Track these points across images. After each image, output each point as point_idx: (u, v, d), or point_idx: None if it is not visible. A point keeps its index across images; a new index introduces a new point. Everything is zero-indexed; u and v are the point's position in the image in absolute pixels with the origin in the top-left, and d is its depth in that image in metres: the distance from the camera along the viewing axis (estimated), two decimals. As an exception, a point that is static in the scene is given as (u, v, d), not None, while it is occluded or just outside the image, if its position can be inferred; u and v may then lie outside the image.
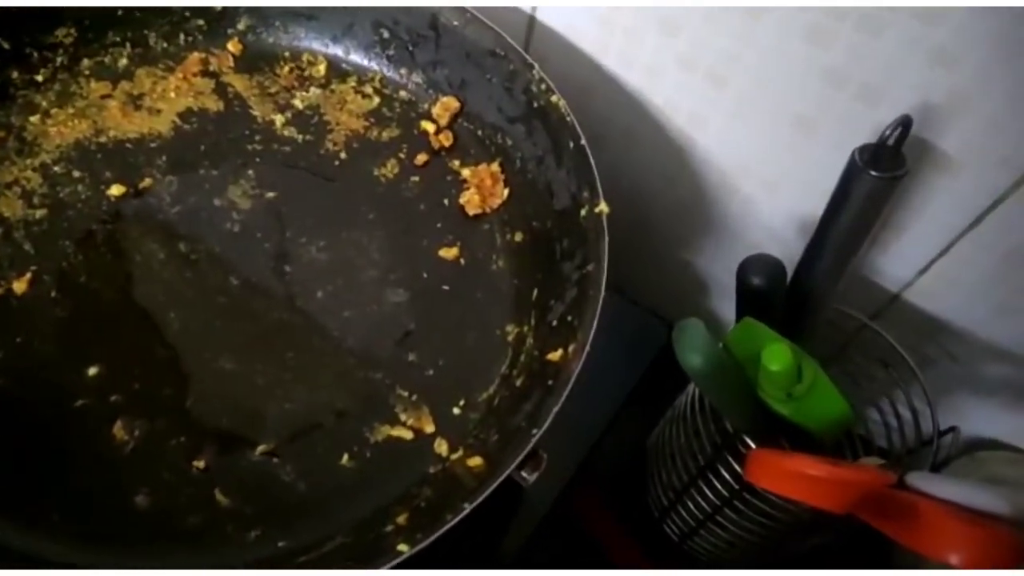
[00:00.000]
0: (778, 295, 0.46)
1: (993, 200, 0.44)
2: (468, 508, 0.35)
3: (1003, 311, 0.49)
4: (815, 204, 0.50)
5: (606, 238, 0.44)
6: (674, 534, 0.57)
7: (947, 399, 0.53)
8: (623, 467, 0.60)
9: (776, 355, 0.41)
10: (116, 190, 0.51)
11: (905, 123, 0.39)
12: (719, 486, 0.49)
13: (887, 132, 0.39)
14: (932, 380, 0.51)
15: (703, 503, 0.51)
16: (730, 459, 0.46)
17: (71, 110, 0.54)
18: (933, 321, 0.53)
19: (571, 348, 0.42)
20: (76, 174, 0.51)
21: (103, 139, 0.53)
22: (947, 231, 0.47)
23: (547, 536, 0.55)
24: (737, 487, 0.47)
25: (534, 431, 0.38)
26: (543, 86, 0.50)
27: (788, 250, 0.49)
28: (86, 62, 0.55)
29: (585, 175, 0.47)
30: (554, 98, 0.49)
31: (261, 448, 0.43)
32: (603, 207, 0.46)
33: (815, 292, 0.47)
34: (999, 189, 0.43)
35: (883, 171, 0.39)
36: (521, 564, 0.53)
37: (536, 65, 0.51)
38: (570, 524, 0.57)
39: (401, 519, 0.40)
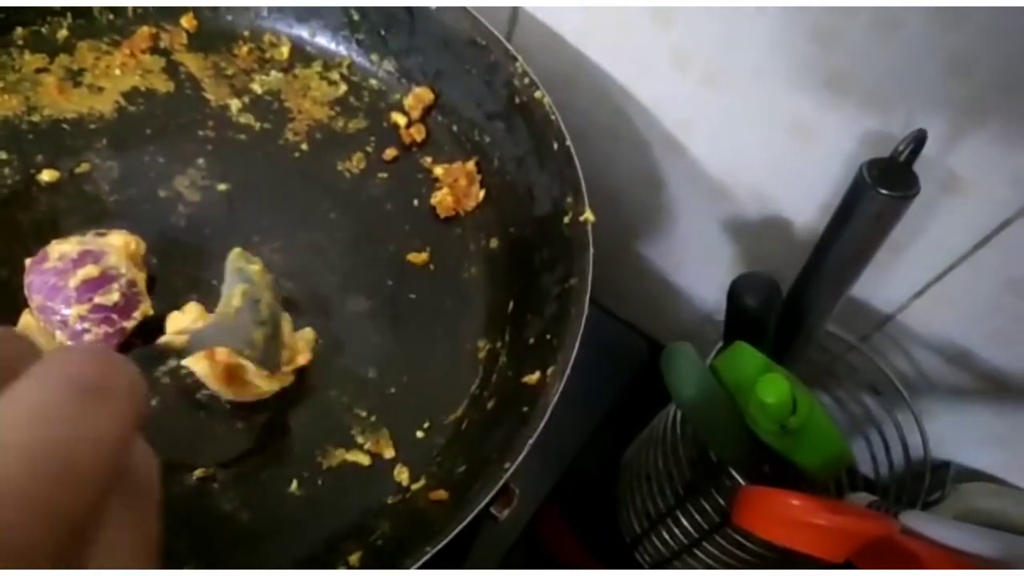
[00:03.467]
0: (771, 317, 0.44)
1: (1000, 222, 0.42)
2: (430, 552, 0.32)
3: (999, 339, 0.48)
4: (811, 218, 0.48)
5: (591, 250, 0.41)
6: (646, 562, 0.54)
7: (934, 428, 0.51)
8: (593, 489, 0.57)
9: (772, 386, 0.38)
10: (48, 175, 0.47)
11: (919, 138, 0.36)
12: (699, 518, 0.46)
13: (900, 148, 0.36)
14: (921, 408, 0.50)
15: (680, 534, 0.49)
16: (714, 491, 0.44)
17: (1, 84, 0.49)
18: (925, 347, 0.51)
19: (550, 371, 0.38)
20: (3, 156, 0.47)
21: (36, 118, 0.48)
22: (948, 253, 0.45)
23: (514, 564, 0.51)
24: (719, 520, 0.45)
25: (506, 465, 0.34)
26: (526, 80, 0.47)
27: (781, 267, 0.46)
28: (20, 31, 0.50)
29: (570, 179, 0.44)
30: (538, 94, 0.46)
31: (198, 472, 0.39)
32: (588, 215, 0.42)
33: (810, 315, 0.44)
34: (1008, 210, 0.41)
35: (894, 189, 0.37)
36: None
37: (519, 57, 0.47)
38: (537, 550, 0.54)
39: (354, 559, 0.36)
